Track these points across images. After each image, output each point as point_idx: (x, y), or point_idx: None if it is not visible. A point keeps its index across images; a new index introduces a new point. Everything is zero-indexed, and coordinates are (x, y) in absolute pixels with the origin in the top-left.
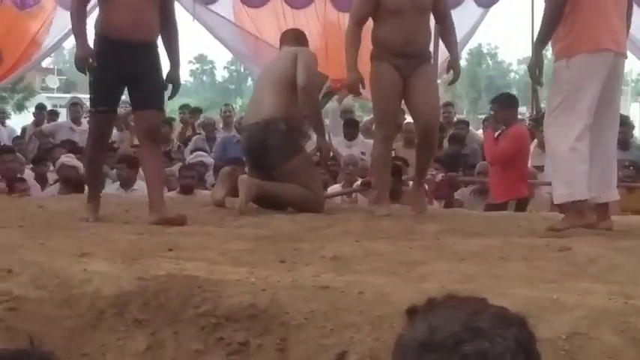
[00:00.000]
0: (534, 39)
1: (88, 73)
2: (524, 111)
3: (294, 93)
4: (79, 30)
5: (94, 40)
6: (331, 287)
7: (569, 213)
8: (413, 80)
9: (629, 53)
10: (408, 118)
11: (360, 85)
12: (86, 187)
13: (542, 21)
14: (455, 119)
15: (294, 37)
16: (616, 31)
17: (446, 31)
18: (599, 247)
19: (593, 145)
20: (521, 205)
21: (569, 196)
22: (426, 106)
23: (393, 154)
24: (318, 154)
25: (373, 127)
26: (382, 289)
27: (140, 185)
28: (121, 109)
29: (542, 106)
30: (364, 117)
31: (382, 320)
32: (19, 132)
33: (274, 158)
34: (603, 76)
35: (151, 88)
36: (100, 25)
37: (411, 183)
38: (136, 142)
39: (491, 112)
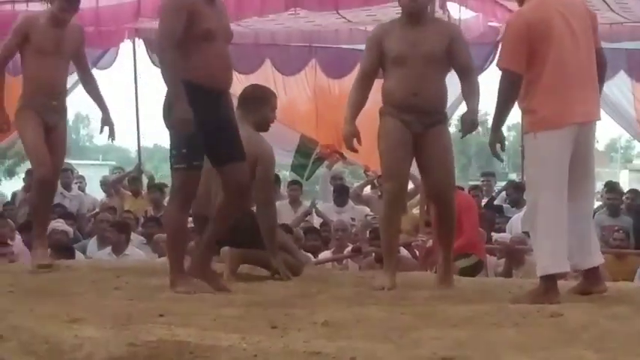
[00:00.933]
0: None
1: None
2: (513, 177)
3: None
4: (176, 82)
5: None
6: (323, 353)
7: (540, 288)
8: (427, 144)
9: (614, 122)
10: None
11: (355, 141)
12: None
13: (497, 100)
14: None
15: (253, 101)
16: (584, 99)
17: (466, 85)
18: (591, 314)
19: (571, 213)
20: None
21: (548, 268)
22: (440, 174)
23: None
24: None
25: (363, 193)
26: (374, 355)
27: (132, 250)
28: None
29: None
30: (354, 183)
31: None
32: (9, 197)
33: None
34: (571, 148)
35: (238, 137)
36: (190, 73)
37: (401, 249)
38: (126, 207)
39: (482, 181)
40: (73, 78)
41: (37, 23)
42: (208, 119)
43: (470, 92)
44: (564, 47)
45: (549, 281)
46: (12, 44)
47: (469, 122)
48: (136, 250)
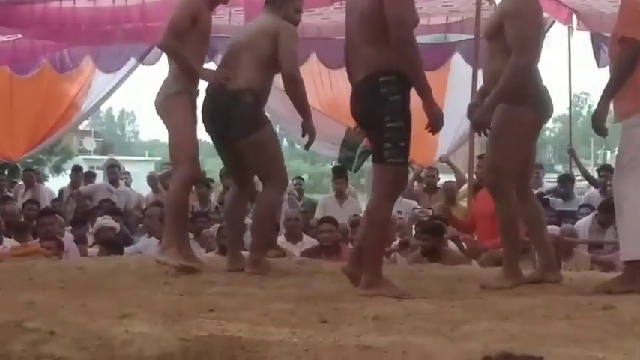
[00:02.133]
0: (571, 96)
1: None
2: (559, 169)
3: (270, 69)
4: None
5: (393, 80)
6: (374, 347)
7: (626, 274)
8: None
9: None
10: (444, 176)
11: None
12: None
13: (618, 71)
14: None
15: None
16: None
17: None
18: None
19: None
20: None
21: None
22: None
23: (431, 213)
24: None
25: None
26: (425, 349)
27: None
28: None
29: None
30: None
31: None
32: (56, 194)
33: (238, 130)
34: None
35: None
36: (396, 64)
37: (450, 242)
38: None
39: None
40: (117, 76)
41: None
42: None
43: None
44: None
45: (637, 268)
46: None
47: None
48: None
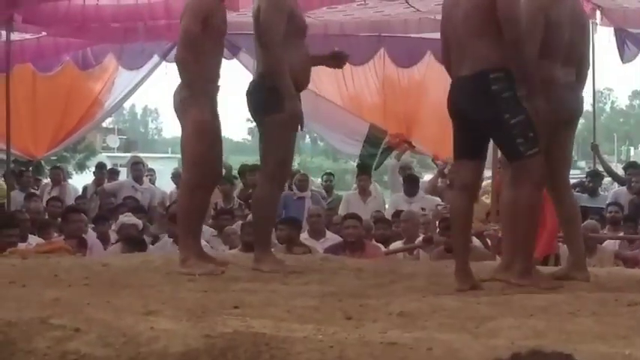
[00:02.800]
0: (595, 92)
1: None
2: (582, 165)
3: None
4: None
5: (501, 76)
6: (399, 344)
7: None
8: None
9: None
10: None
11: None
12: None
13: None
14: None
15: None
16: None
17: None
18: None
19: None
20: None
21: None
22: None
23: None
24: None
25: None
26: (451, 346)
27: None
28: None
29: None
30: (422, 172)
31: None
32: (80, 191)
33: (258, 111)
34: None
35: None
36: (504, 59)
37: (473, 238)
38: None
39: None
40: (140, 73)
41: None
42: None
43: None
44: None
45: None
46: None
47: None
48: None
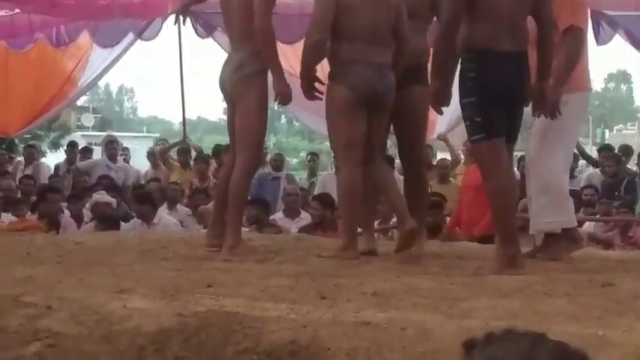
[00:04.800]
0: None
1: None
2: None
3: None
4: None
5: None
6: (373, 323)
7: (560, 241)
8: None
9: None
10: (441, 154)
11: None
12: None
13: (568, 60)
14: None
15: None
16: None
17: None
18: None
19: None
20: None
21: (564, 223)
22: None
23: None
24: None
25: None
26: (424, 326)
27: (160, 219)
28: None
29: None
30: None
31: (425, 356)
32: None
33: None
34: (587, 113)
35: None
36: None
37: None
38: (174, 178)
39: None
40: (115, 51)
41: None
42: None
43: None
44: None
45: (553, 238)
46: None
47: None
48: (166, 218)
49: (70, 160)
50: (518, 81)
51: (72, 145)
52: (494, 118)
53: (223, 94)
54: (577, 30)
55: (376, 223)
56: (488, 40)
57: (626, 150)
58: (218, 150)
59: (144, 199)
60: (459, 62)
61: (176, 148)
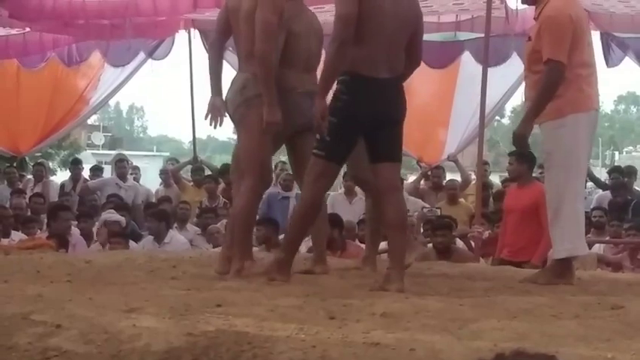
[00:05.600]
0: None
1: None
2: None
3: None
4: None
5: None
6: (382, 344)
7: (555, 269)
8: None
9: None
10: (451, 175)
11: None
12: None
13: (544, 92)
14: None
15: None
16: (596, 87)
17: None
18: None
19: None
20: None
21: (572, 250)
22: None
23: (439, 212)
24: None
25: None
26: (434, 346)
27: (172, 238)
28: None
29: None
30: (407, 174)
31: None
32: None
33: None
34: (593, 133)
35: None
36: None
37: (457, 240)
38: (187, 197)
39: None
40: (126, 70)
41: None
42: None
43: None
44: (589, 44)
45: (566, 263)
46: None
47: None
48: (177, 238)
49: (74, 178)
50: (393, 105)
51: (75, 162)
52: (342, 147)
53: (228, 114)
54: (553, 63)
55: (385, 243)
56: (365, 65)
57: (630, 171)
58: (226, 169)
59: (160, 216)
60: (336, 81)
61: (189, 166)
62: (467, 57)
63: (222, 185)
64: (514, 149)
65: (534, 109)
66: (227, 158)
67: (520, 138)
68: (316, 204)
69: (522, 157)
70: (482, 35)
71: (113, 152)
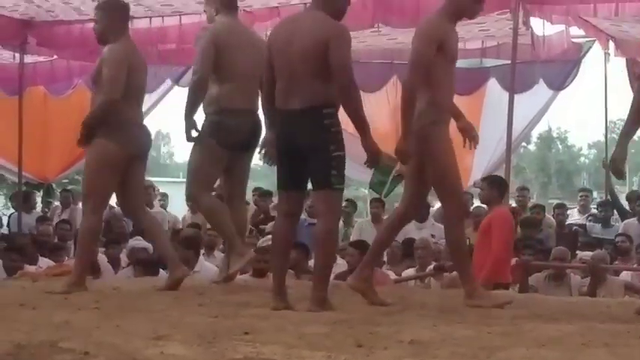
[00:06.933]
0: (607, 122)
1: None
2: (595, 195)
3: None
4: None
5: (333, 112)
6: None
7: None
8: None
9: None
10: (478, 202)
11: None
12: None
13: (631, 112)
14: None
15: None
16: None
17: None
18: None
19: None
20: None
21: None
22: None
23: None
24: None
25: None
26: None
27: (202, 266)
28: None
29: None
30: (433, 201)
31: None
32: None
33: None
34: None
35: None
36: (335, 98)
37: None
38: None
39: (580, 196)
40: (152, 97)
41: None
42: None
43: None
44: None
45: None
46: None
47: None
48: (207, 265)
49: (63, 204)
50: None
51: (66, 190)
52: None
53: None
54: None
55: (413, 270)
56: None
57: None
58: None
59: (189, 244)
60: (320, 114)
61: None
62: (493, 83)
63: (252, 210)
64: (538, 174)
65: (624, 134)
66: (255, 184)
67: (614, 163)
68: (277, 233)
69: (493, 182)
70: (509, 62)
71: None
